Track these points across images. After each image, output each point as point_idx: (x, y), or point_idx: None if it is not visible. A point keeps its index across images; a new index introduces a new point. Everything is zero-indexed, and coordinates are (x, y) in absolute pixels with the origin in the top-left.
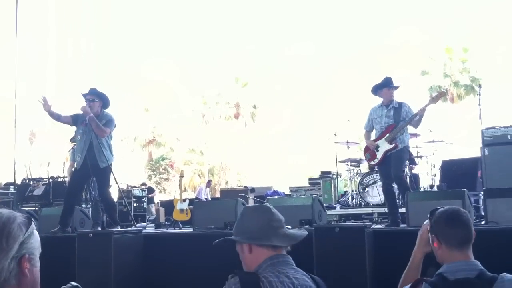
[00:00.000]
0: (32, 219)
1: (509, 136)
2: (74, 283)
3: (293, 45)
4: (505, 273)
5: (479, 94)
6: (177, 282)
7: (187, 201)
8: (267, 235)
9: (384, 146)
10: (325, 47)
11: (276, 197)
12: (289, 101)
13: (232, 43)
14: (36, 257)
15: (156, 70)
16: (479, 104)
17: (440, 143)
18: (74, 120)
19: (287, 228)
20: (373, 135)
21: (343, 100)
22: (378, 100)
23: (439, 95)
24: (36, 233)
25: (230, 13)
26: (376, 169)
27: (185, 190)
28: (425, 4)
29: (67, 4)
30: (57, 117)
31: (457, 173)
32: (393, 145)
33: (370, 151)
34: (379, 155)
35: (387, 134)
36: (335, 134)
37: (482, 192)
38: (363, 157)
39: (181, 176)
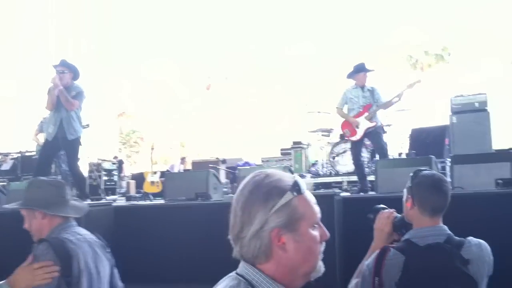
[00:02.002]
0: (298, 184)
1: (476, 103)
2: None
3: (293, 45)
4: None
5: (448, 63)
6: (148, 254)
7: (158, 174)
8: (62, 206)
9: (364, 123)
10: (326, 47)
11: (247, 167)
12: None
13: (232, 43)
14: (297, 230)
15: (156, 70)
16: (449, 73)
17: (409, 111)
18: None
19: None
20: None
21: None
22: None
23: (415, 83)
24: (297, 201)
25: (230, 13)
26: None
27: (156, 163)
28: (425, 4)
29: (67, 4)
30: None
31: (425, 141)
32: (373, 123)
33: (350, 128)
34: (360, 131)
35: (366, 113)
36: (305, 104)
37: (449, 159)
38: (334, 128)
39: (152, 149)
